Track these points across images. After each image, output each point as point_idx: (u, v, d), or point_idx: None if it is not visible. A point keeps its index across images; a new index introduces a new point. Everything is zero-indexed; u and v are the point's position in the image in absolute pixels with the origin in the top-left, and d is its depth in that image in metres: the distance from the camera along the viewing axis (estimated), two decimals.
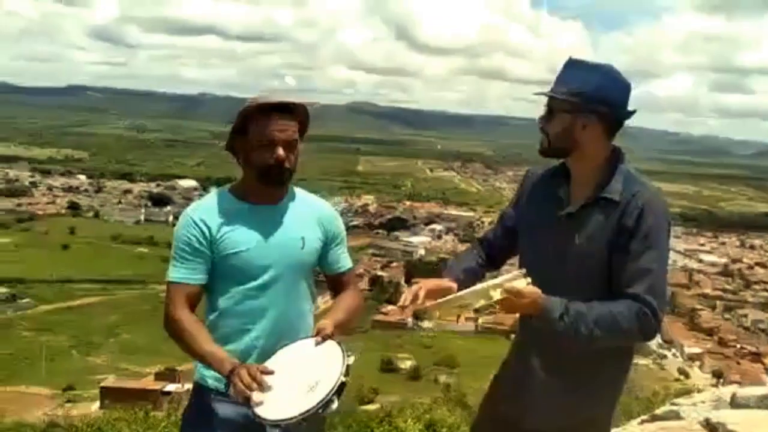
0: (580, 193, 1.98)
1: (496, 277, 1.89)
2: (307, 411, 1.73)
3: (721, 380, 38.02)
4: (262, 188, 2.08)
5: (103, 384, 36.30)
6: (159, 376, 35.08)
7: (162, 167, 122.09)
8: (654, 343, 56.95)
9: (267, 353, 1.98)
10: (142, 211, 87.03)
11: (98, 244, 72.74)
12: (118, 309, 53.33)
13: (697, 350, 54.04)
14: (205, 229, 2.03)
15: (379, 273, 67.31)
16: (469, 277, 2.10)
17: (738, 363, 49.83)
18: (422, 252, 78.95)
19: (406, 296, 1.94)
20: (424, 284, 1.98)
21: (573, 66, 1.95)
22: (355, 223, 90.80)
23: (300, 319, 2.12)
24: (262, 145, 2.02)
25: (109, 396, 32.38)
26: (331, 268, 2.22)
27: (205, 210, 2.07)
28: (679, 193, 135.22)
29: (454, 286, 1.99)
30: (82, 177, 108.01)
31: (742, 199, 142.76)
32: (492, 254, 2.23)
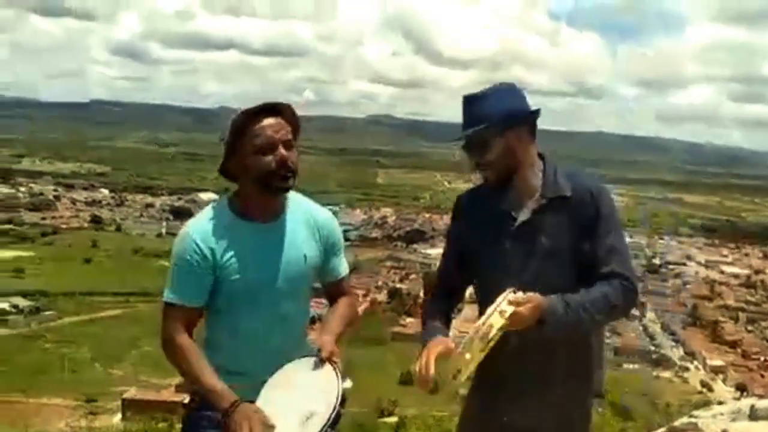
0: (523, 201, 2.06)
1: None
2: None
3: (745, 394, 37.41)
4: (264, 200, 2.02)
5: (125, 396, 36.64)
6: (179, 388, 35.30)
7: (182, 180, 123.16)
8: (676, 356, 56.21)
9: (268, 372, 1.93)
10: (164, 224, 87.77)
11: (120, 257, 73.46)
12: (139, 321, 53.70)
13: (720, 363, 53.19)
14: (207, 252, 1.97)
15: (398, 285, 67.30)
16: (448, 326, 2.17)
17: (762, 376, 49.04)
18: None
19: (420, 371, 1.91)
20: (431, 351, 1.95)
21: (475, 100, 2.06)
22: (374, 235, 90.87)
23: (301, 332, 2.13)
24: (259, 151, 1.95)
25: (131, 408, 32.74)
26: (330, 276, 2.19)
27: (206, 231, 1.99)
28: (701, 204, 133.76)
29: (450, 341, 2.00)
30: (105, 191, 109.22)
31: (765, 209, 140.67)
32: (451, 292, 2.26)
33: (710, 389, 47.30)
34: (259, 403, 1.84)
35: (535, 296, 1.87)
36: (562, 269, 2.01)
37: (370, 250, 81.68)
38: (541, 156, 2.11)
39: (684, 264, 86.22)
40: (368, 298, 59.87)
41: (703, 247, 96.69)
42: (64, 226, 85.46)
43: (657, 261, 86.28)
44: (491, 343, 1.82)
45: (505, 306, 1.82)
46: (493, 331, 1.81)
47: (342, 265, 2.21)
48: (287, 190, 2.03)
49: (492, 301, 1.89)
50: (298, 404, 1.81)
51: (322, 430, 1.72)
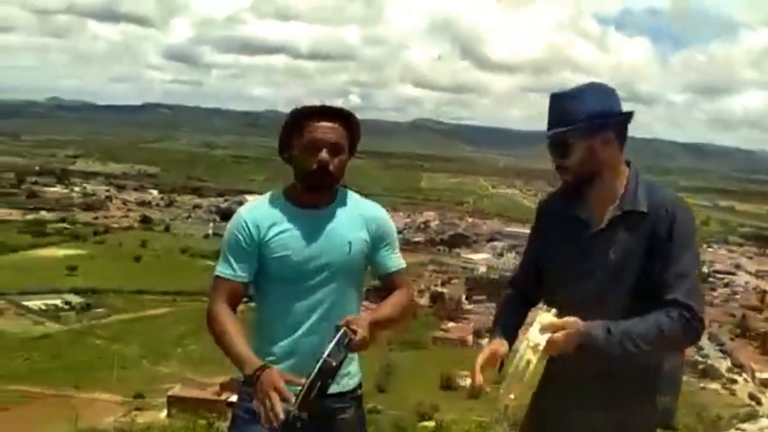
0: (601, 211, 1.98)
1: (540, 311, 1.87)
2: (297, 396, 1.76)
3: None
4: (307, 192, 2.11)
5: (170, 393, 37.42)
6: (224, 387, 35.88)
7: (230, 182, 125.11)
8: (724, 367, 54.72)
9: (309, 355, 1.94)
10: (211, 225, 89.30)
11: (168, 256, 75.01)
12: (186, 320, 54.77)
13: None
14: (254, 230, 2.07)
15: (440, 289, 67.13)
16: (516, 325, 2.11)
17: None
18: (483, 269, 78.27)
19: (473, 380, 1.91)
20: (478, 359, 1.94)
21: (562, 98, 1.97)
22: (416, 239, 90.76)
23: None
24: (305, 149, 2.04)
25: (176, 405, 33.37)
26: (380, 270, 2.21)
27: (256, 211, 2.11)
28: (752, 213, 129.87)
29: (505, 345, 1.98)
30: (154, 192, 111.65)
31: None
32: (527, 293, 2.20)
33: (759, 402, 45.89)
34: None
35: (572, 321, 1.79)
36: (626, 287, 1.91)
37: (412, 254, 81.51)
38: (627, 163, 2.01)
39: (733, 273, 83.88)
40: None
41: (753, 256, 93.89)
42: (115, 226, 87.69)
43: (705, 269, 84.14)
44: (536, 377, 1.78)
45: (537, 338, 1.76)
46: (531, 367, 1.75)
47: (393, 260, 2.22)
48: (325, 189, 2.11)
49: (552, 308, 1.86)
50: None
51: (306, 382, 1.77)
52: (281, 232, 2.08)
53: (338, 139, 2.06)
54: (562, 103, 1.96)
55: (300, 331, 2.09)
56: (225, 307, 2.05)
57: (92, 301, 58.54)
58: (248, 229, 2.09)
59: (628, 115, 1.97)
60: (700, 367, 54.64)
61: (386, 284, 2.23)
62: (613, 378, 1.93)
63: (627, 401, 1.96)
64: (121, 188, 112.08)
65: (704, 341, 62.12)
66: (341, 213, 2.14)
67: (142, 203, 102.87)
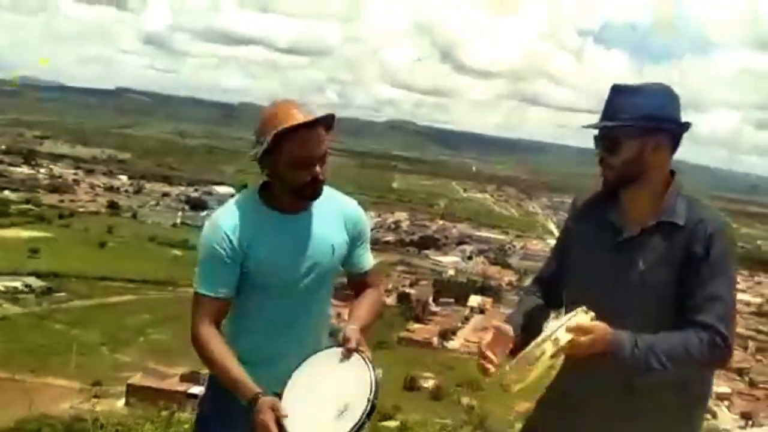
0: (636, 217, 1.90)
1: (558, 317, 1.85)
2: None
3: (750, 422, 37.10)
4: (293, 200, 2.04)
5: (129, 381, 36.99)
6: (184, 378, 35.58)
7: (201, 172, 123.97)
8: None
9: (292, 361, 1.92)
10: (179, 214, 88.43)
11: (134, 244, 74.10)
12: (149, 309, 54.20)
13: (726, 390, 52.76)
14: (236, 241, 1.97)
15: (408, 290, 67.28)
16: (532, 320, 2.03)
17: None
18: (451, 272, 78.72)
19: (482, 358, 1.84)
20: (489, 339, 1.88)
21: (625, 91, 1.88)
22: (386, 238, 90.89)
23: (323, 322, 2.15)
24: (296, 165, 1.96)
25: (135, 394, 33.04)
26: (355, 268, 2.18)
27: (235, 220, 2.00)
28: None
29: (510, 332, 1.90)
30: (124, 178, 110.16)
31: None
32: (551, 291, 2.13)
33: (714, 416, 46.87)
34: (291, 397, 1.82)
35: (601, 327, 1.72)
36: (652, 300, 1.85)
37: (382, 254, 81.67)
38: (673, 177, 1.93)
39: None
40: None
41: None
42: (81, 210, 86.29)
43: None
44: (546, 372, 1.74)
45: (561, 333, 1.70)
46: (545, 357, 1.70)
47: (368, 258, 2.21)
48: (317, 197, 2.04)
49: (573, 308, 1.80)
50: (331, 397, 1.77)
51: (359, 422, 1.69)
52: (264, 240, 2.01)
53: (326, 149, 2.00)
54: (621, 97, 1.88)
55: (287, 336, 2.06)
56: (212, 330, 1.97)
57: (54, 285, 57.52)
58: (229, 239, 1.98)
59: (686, 126, 1.89)
60: None
61: (358, 282, 2.20)
62: (637, 391, 1.86)
63: (649, 416, 1.89)
64: (89, 172, 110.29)
65: None
66: (322, 214, 2.09)
67: (111, 188, 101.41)
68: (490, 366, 1.82)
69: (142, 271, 61.79)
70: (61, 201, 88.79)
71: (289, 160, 1.96)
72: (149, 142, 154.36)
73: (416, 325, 58.67)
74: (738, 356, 61.84)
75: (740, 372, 57.71)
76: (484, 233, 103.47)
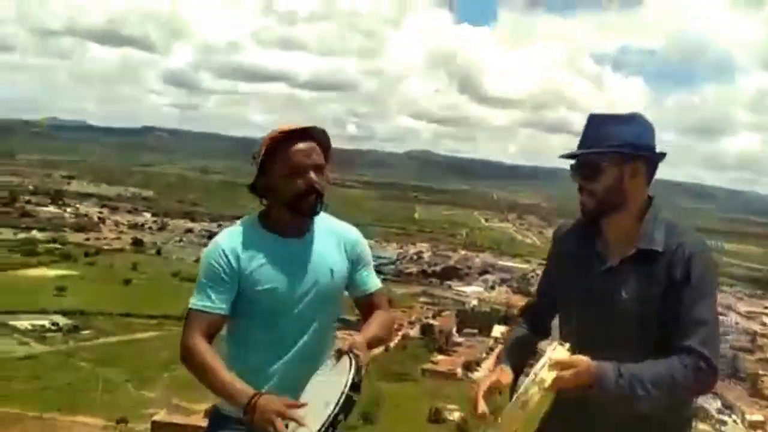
0: (617, 245, 1.92)
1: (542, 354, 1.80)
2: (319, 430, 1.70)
3: None
4: (292, 219, 2.05)
5: (154, 418, 37.06)
6: (208, 414, 35.49)
7: (223, 207, 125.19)
8: (713, 408, 54.51)
9: (290, 384, 1.94)
10: (203, 250, 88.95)
11: (158, 280, 74.67)
12: (173, 344, 53.95)
13: (759, 418, 51.42)
14: (234, 260, 2.00)
15: (431, 321, 66.86)
16: (524, 356, 2.06)
17: None
18: (475, 302, 78.17)
19: (476, 407, 1.84)
20: (479, 387, 1.88)
21: (602, 120, 1.92)
22: (408, 270, 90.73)
23: (324, 346, 2.10)
24: (290, 173, 1.98)
25: (160, 430, 33.09)
26: (359, 290, 2.18)
27: (235, 241, 2.03)
28: (744, 254, 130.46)
29: (508, 374, 1.93)
30: (147, 215, 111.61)
31: None
32: (539, 323, 2.16)
33: None
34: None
35: (582, 360, 1.71)
36: (636, 328, 1.85)
37: (404, 285, 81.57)
38: (650, 203, 1.94)
39: (724, 314, 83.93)
40: (400, 333, 59.60)
41: (744, 297, 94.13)
42: (106, 248, 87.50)
43: None
44: (538, 412, 1.72)
45: (544, 374, 1.69)
46: (534, 401, 1.69)
47: (372, 280, 2.19)
48: (316, 213, 2.05)
49: (566, 340, 1.80)
50: (317, 398, 1.80)
51: (331, 414, 1.70)
52: (263, 263, 2.02)
53: (319, 160, 2.02)
54: (599, 126, 1.91)
55: (284, 359, 2.05)
56: (202, 341, 1.96)
57: (80, 322, 58.11)
58: (227, 258, 2.00)
59: (662, 155, 1.92)
60: None
61: (365, 304, 2.19)
62: (627, 416, 1.83)
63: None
64: (114, 210, 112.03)
65: None
66: (320, 239, 2.10)
67: (135, 226, 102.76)
68: (484, 413, 1.83)
69: (166, 307, 62.11)
70: (87, 239, 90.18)
71: (283, 169, 1.99)
72: (172, 179, 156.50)
73: (440, 357, 58.20)
74: None
75: None
76: (506, 262, 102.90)
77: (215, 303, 1.99)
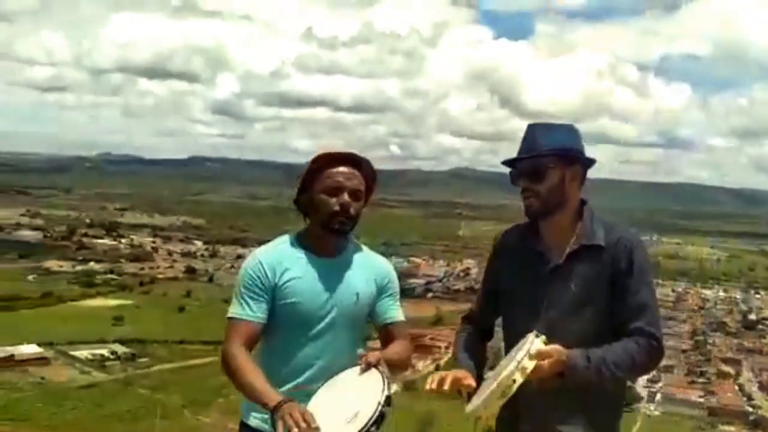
0: (558, 245, 2.06)
1: (521, 346, 1.89)
2: None
3: None
4: (324, 237, 2.13)
5: None
6: None
7: (272, 233, 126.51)
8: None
9: (308, 400, 1.97)
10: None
11: (211, 306, 75.87)
12: None
13: None
14: (270, 273, 2.09)
15: None
16: (480, 363, 2.17)
17: None
18: None
19: (432, 379, 1.98)
20: (453, 373, 2.01)
21: (541, 128, 2.06)
22: (456, 287, 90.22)
23: (346, 367, 2.11)
24: (327, 192, 2.08)
25: None
26: (380, 319, 2.23)
27: (272, 255, 2.13)
28: None
29: (470, 379, 2.03)
30: (199, 243, 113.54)
31: None
32: (484, 328, 2.29)
33: None
34: (308, 407, 1.89)
35: (557, 350, 1.86)
36: (588, 319, 2.00)
37: (452, 302, 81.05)
38: (582, 202, 2.11)
39: None
40: (450, 351, 59.21)
41: None
42: (160, 276, 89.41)
43: (753, 316, 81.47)
44: (507, 396, 1.83)
45: (526, 362, 1.81)
46: (515, 387, 1.80)
47: (395, 310, 2.25)
48: (344, 233, 2.14)
49: (515, 343, 1.94)
50: (344, 406, 1.85)
51: (364, 427, 1.75)
52: (294, 278, 2.12)
53: (358, 186, 2.12)
54: (538, 133, 2.05)
55: (303, 377, 2.12)
56: (241, 348, 2.04)
57: (137, 350, 59.51)
58: (264, 270, 2.11)
59: (593, 161, 2.10)
60: (752, 417, 52.72)
61: (386, 334, 2.24)
62: (585, 393, 1.99)
63: (595, 413, 2.05)
64: (166, 239, 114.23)
65: (754, 390, 60.00)
66: (351, 263, 2.19)
67: (187, 254, 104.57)
68: (436, 386, 1.96)
69: (219, 333, 62.18)
70: (142, 269, 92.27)
71: (322, 187, 2.10)
72: (221, 207, 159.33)
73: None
74: None
75: None
76: None
77: (254, 312, 2.09)
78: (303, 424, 1.73)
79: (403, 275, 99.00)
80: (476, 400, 1.90)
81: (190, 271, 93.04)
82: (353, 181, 2.10)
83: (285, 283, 2.11)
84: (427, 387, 1.96)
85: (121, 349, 59.27)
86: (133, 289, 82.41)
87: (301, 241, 2.19)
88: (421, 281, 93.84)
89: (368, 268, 2.22)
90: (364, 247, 2.27)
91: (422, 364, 54.81)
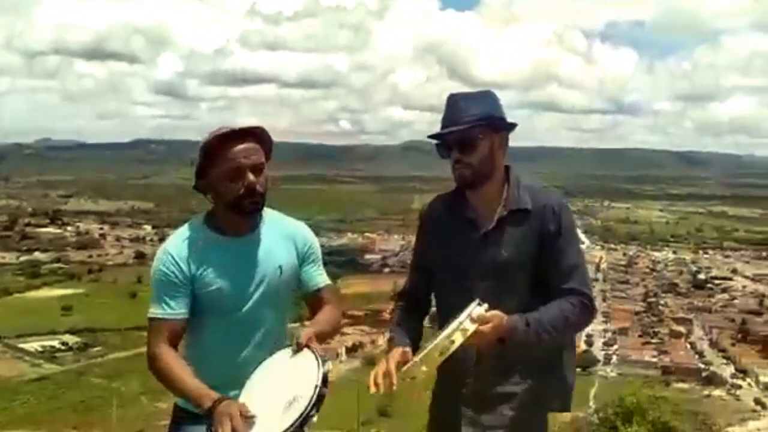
0: (487, 211, 2.07)
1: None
2: (292, 425, 1.69)
3: None
4: (235, 219, 2.05)
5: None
6: None
7: None
8: (727, 374, 54.58)
9: (245, 383, 1.92)
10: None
11: None
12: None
13: None
14: (183, 265, 2.01)
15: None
16: (417, 337, 2.15)
17: None
18: None
19: (374, 378, 1.92)
20: (390, 359, 1.97)
21: (462, 99, 2.05)
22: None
23: (277, 343, 2.07)
24: (228, 176, 1.98)
25: None
26: (308, 286, 2.18)
27: (182, 245, 2.04)
28: (745, 217, 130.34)
29: (409, 354, 2.00)
30: (148, 227, 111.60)
31: None
32: (419, 303, 2.26)
33: (764, 406, 45.82)
34: (242, 397, 1.84)
35: (497, 315, 1.87)
36: (521, 281, 2.03)
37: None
38: (506, 168, 2.12)
39: (730, 278, 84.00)
40: None
41: (750, 260, 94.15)
42: (109, 263, 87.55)
43: (702, 276, 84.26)
44: (446, 355, 1.84)
45: (467, 324, 1.82)
46: (453, 347, 1.81)
47: (320, 275, 2.19)
48: (257, 212, 2.05)
49: (451, 312, 1.90)
50: (280, 391, 1.79)
51: (305, 411, 1.71)
52: (211, 264, 2.02)
53: (258, 159, 2.01)
54: (461, 104, 2.04)
55: (238, 360, 2.04)
56: (166, 348, 1.97)
57: (89, 340, 58.43)
58: (177, 263, 2.01)
59: (515, 125, 2.10)
60: (704, 374, 54.51)
61: (314, 300, 2.18)
62: (524, 356, 2.04)
63: (542, 375, 2.08)
64: (114, 225, 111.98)
65: (705, 348, 62.11)
66: (267, 236, 2.10)
67: (136, 239, 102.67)
68: (381, 382, 1.91)
69: None
70: (89, 256, 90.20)
71: (221, 173, 1.99)
72: (169, 190, 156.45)
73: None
74: None
75: None
76: None
77: (174, 309, 2.00)
78: (241, 429, 1.72)
79: (359, 251, 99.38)
80: (414, 359, 1.90)
81: (140, 256, 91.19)
82: (252, 157, 1.99)
83: (202, 271, 2.02)
84: (372, 390, 1.91)
85: (72, 339, 57.94)
86: (81, 277, 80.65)
87: (210, 223, 2.08)
88: (378, 256, 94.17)
89: (286, 238, 2.14)
90: (277, 214, 2.17)
91: (382, 339, 54.94)
